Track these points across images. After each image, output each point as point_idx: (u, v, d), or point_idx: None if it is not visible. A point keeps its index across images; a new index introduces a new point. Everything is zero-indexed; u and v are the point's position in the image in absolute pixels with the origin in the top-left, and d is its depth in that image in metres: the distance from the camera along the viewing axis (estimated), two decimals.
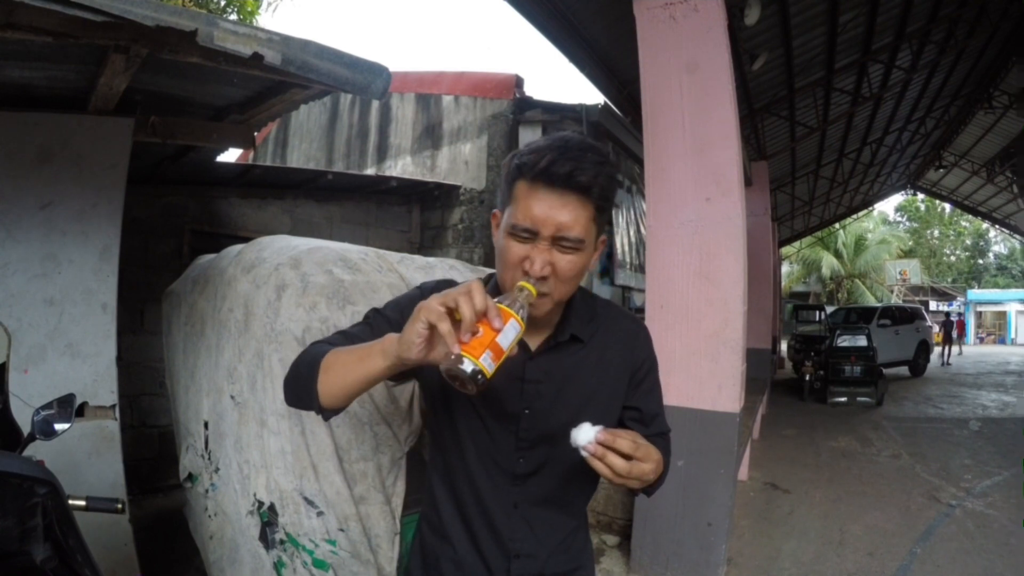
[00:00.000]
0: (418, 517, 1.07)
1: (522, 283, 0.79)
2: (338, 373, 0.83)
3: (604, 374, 0.96)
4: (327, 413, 0.89)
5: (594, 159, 0.81)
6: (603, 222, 0.87)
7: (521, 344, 0.94)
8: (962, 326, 16.71)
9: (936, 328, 14.68)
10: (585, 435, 0.75)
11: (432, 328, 0.72)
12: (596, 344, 0.96)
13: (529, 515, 0.94)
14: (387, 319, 0.96)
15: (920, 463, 5.28)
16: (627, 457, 0.74)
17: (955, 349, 15.70)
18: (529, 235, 0.82)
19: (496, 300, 0.75)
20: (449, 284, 1.02)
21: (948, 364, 14.73)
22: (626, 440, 0.74)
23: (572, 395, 0.92)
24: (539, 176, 0.80)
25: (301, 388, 0.87)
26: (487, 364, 0.71)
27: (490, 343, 0.71)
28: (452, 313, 0.71)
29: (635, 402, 0.99)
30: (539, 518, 0.95)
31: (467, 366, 0.70)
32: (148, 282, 4.13)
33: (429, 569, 1.00)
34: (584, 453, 0.75)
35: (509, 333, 0.73)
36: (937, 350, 14.70)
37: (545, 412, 0.92)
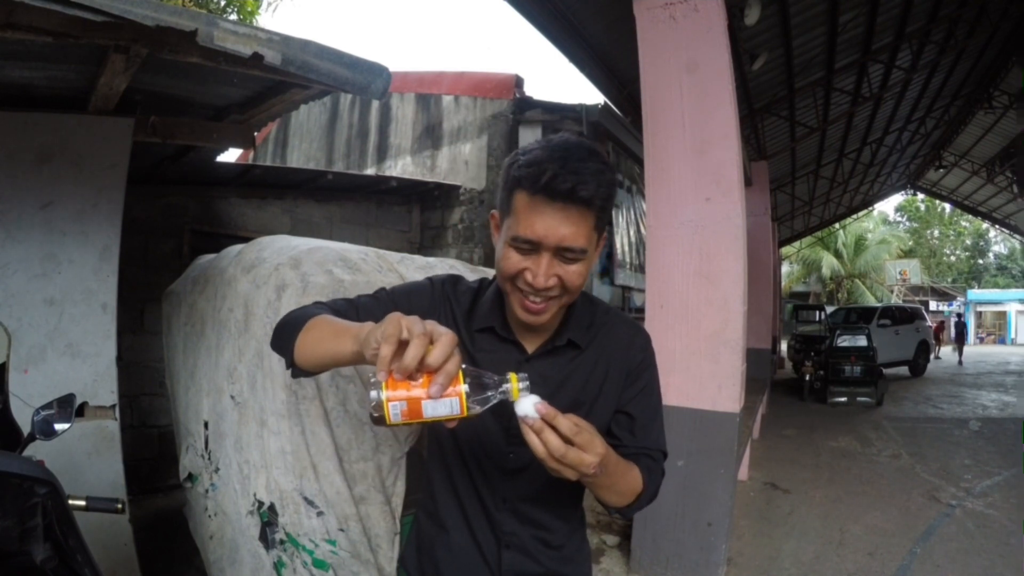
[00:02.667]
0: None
1: (512, 375, 0.71)
2: (315, 338, 0.82)
3: (602, 381, 0.95)
4: (296, 371, 0.88)
5: (594, 168, 0.79)
6: (603, 225, 0.86)
7: (518, 346, 0.94)
8: (941, 329, 17.26)
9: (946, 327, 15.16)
10: (526, 406, 0.70)
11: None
12: (594, 350, 0.95)
13: (519, 512, 0.95)
14: (394, 301, 0.95)
15: (920, 463, 5.28)
16: (568, 441, 0.69)
17: (932, 354, 15.37)
18: (531, 247, 0.81)
19: (477, 373, 0.69)
20: (458, 280, 1.02)
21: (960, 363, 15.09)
22: (568, 422, 0.69)
23: (567, 399, 0.91)
24: (541, 191, 0.78)
25: (284, 338, 0.87)
26: (392, 412, 0.64)
27: (411, 399, 0.64)
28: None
29: (625, 406, 0.96)
30: (529, 517, 0.95)
31: (373, 397, 0.64)
32: (148, 282, 4.12)
33: (423, 555, 1.01)
34: (523, 425, 0.70)
35: (440, 408, 0.65)
36: (946, 349, 14.90)
37: None
